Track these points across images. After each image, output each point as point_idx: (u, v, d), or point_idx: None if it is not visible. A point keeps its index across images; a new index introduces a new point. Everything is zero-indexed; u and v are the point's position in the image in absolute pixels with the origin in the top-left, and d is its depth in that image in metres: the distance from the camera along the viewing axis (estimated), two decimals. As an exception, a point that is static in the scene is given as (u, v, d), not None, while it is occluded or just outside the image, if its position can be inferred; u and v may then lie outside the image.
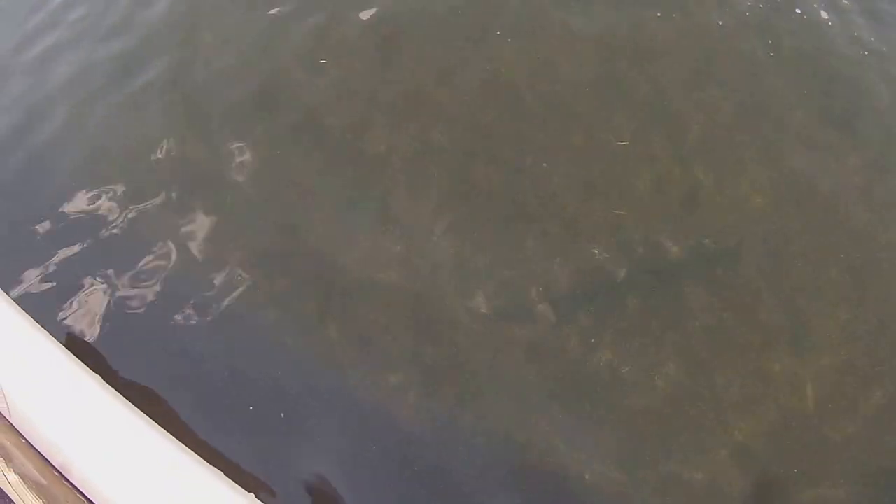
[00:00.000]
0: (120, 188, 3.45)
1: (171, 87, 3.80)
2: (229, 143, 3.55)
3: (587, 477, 2.68)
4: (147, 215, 3.36)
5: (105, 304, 3.10)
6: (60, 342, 2.25)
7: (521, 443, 2.75)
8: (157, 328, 3.03)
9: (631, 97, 3.61)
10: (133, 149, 3.61)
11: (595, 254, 3.15)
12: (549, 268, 3.12)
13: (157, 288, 3.13)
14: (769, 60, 3.73)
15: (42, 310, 3.05)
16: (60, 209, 3.39)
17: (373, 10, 3.96)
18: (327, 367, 2.93)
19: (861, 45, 3.80)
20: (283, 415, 2.81)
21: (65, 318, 3.05)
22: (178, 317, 3.05)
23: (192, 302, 3.08)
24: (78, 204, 3.41)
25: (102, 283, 3.15)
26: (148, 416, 2.08)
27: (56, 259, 3.22)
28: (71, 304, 3.09)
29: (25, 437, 2.05)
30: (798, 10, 3.91)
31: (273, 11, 4.02)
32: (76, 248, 3.26)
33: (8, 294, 2.43)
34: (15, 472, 1.83)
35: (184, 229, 3.29)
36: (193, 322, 3.03)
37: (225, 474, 1.97)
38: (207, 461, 1.99)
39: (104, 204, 3.40)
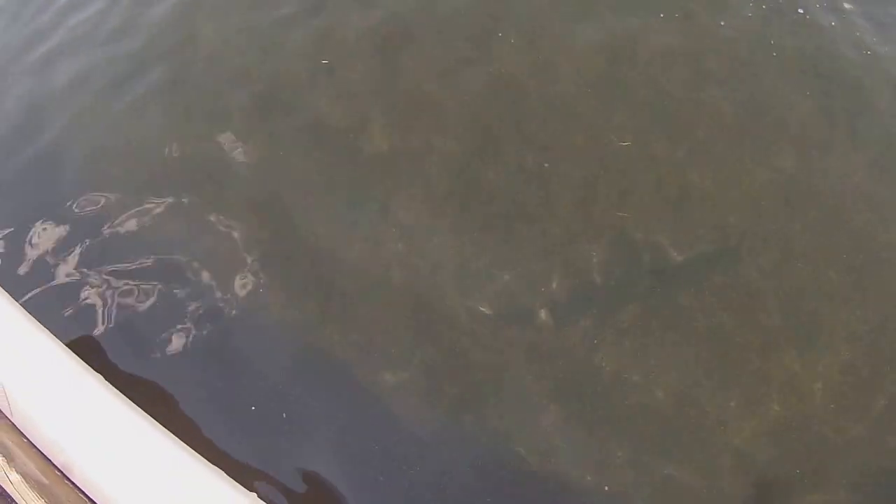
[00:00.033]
0: (122, 189, 3.46)
1: (173, 88, 3.80)
2: (231, 144, 3.55)
3: (588, 478, 2.68)
4: (149, 215, 3.36)
5: (107, 303, 3.10)
6: (62, 342, 2.25)
7: (521, 443, 2.75)
8: (158, 328, 3.03)
9: (633, 98, 3.60)
10: (135, 149, 3.62)
11: (596, 254, 3.15)
12: (549, 268, 3.12)
13: (160, 288, 3.13)
14: (771, 61, 3.73)
15: (44, 309, 3.06)
16: (63, 209, 3.40)
17: (375, 12, 3.96)
18: (328, 367, 2.93)
19: (863, 46, 3.79)
20: (284, 415, 2.81)
21: (67, 318, 3.06)
22: (179, 317, 3.05)
23: (193, 302, 3.08)
24: (81, 204, 3.42)
25: (105, 283, 3.15)
26: (150, 415, 2.09)
27: (58, 260, 3.23)
28: (73, 303, 3.10)
29: (27, 436, 2.05)
30: (800, 10, 3.91)
31: (276, 13, 4.01)
32: (79, 249, 3.26)
33: (10, 294, 2.43)
34: (17, 472, 1.84)
35: (185, 230, 3.30)
36: (195, 322, 3.04)
37: (227, 474, 1.97)
38: (209, 461, 1.99)
39: (106, 204, 3.41)
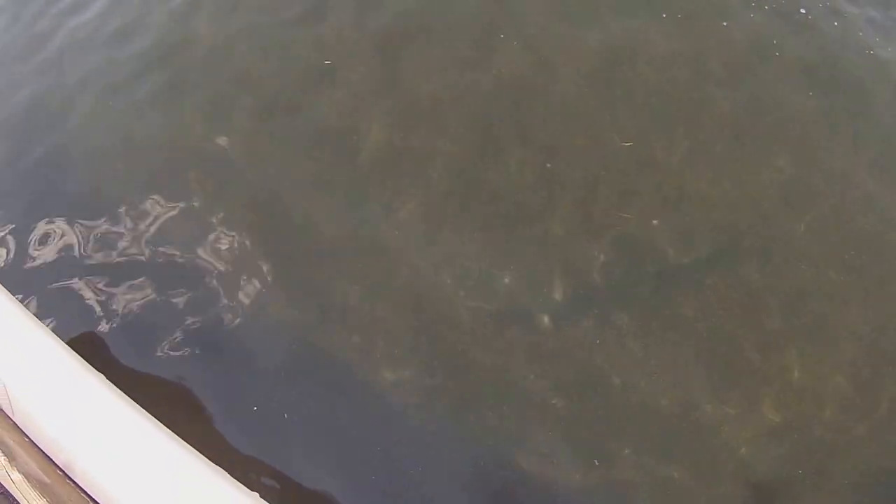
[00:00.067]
0: (125, 189, 3.46)
1: (175, 89, 3.79)
2: (232, 144, 3.56)
3: (589, 478, 2.68)
4: (151, 215, 3.36)
5: (108, 302, 3.10)
6: (64, 341, 2.25)
7: (522, 443, 2.75)
8: (159, 327, 3.03)
9: (634, 98, 3.60)
10: (137, 150, 3.62)
11: (597, 255, 3.15)
12: (550, 268, 3.12)
13: (161, 287, 3.13)
14: (773, 61, 3.73)
15: (46, 308, 3.07)
16: (66, 209, 3.41)
17: (377, 13, 3.95)
18: (329, 367, 2.93)
19: (865, 47, 3.79)
20: (286, 415, 2.81)
21: (68, 317, 3.06)
22: (181, 316, 3.05)
23: (195, 302, 3.08)
24: (83, 204, 3.43)
25: (107, 283, 3.16)
26: (151, 415, 2.09)
27: (60, 259, 3.23)
28: (75, 303, 3.10)
29: (28, 435, 2.05)
30: (802, 11, 3.91)
31: (278, 14, 4.01)
32: (80, 248, 3.27)
33: (12, 293, 2.43)
34: (18, 471, 1.83)
35: (187, 229, 3.30)
36: (197, 322, 3.04)
37: (228, 473, 1.97)
38: (211, 460, 1.99)
39: (109, 204, 3.41)
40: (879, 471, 2.68)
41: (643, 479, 2.68)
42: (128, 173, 3.53)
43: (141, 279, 3.16)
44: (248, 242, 3.25)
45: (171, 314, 3.06)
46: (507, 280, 3.10)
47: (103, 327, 3.04)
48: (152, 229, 3.32)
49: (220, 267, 3.18)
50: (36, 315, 2.30)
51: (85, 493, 1.93)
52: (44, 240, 3.31)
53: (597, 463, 2.70)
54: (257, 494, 1.95)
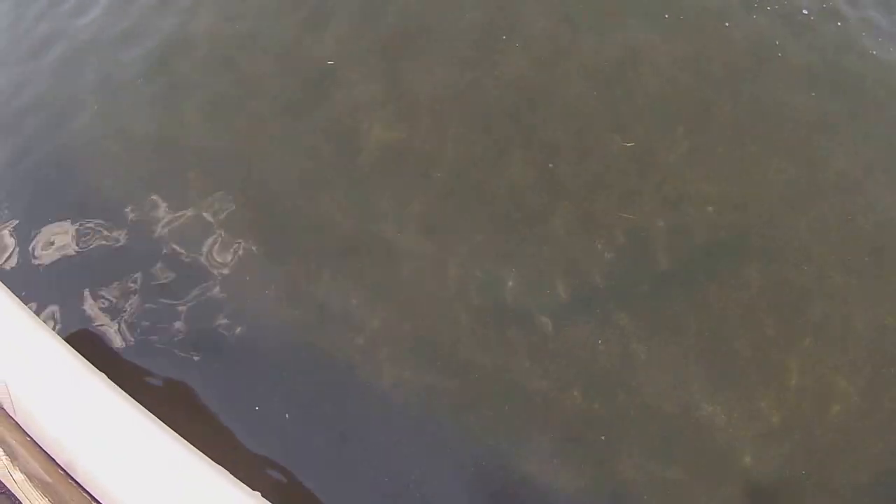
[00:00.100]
0: (129, 189, 3.47)
1: (178, 91, 3.80)
2: (235, 144, 3.56)
3: (590, 479, 2.68)
4: (154, 215, 3.36)
5: (110, 302, 3.10)
6: (65, 341, 2.25)
7: (523, 444, 2.75)
8: (161, 327, 3.03)
9: (636, 99, 3.60)
10: (142, 150, 3.62)
11: (599, 255, 3.14)
12: (552, 269, 3.12)
13: (163, 287, 3.14)
14: (775, 62, 3.73)
15: (49, 309, 3.08)
16: (68, 209, 3.41)
17: (381, 16, 3.96)
18: (330, 368, 2.93)
19: (867, 48, 3.79)
20: (287, 415, 2.80)
21: (70, 316, 3.06)
22: (183, 317, 3.05)
23: (197, 302, 3.09)
24: (87, 203, 3.43)
25: (108, 283, 3.16)
26: (153, 414, 2.09)
27: (61, 258, 3.24)
28: (76, 302, 3.10)
29: (30, 435, 2.05)
30: (805, 12, 3.91)
31: (283, 17, 4.02)
32: (82, 248, 3.27)
33: (14, 292, 2.43)
34: (20, 471, 1.83)
35: (191, 229, 3.30)
36: (199, 322, 3.04)
37: (230, 472, 1.97)
38: (213, 460, 1.99)
39: (113, 204, 3.42)
40: (881, 471, 2.67)
41: (644, 480, 2.67)
42: (130, 174, 3.53)
43: (143, 279, 3.16)
44: (248, 243, 3.25)
45: (172, 314, 3.06)
46: (508, 280, 3.10)
47: (105, 327, 3.04)
48: (154, 229, 3.32)
49: (222, 267, 3.18)
50: (38, 315, 2.29)
51: (87, 492, 1.93)
52: (46, 240, 3.31)
53: (597, 464, 2.70)
54: (259, 494, 1.95)
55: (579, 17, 3.92)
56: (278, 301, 3.09)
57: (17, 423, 2.08)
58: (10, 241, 3.34)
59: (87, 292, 3.13)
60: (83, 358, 2.21)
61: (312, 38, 3.91)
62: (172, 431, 2.05)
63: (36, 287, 3.16)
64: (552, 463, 2.71)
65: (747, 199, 3.30)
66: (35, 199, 3.49)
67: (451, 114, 3.58)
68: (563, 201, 3.30)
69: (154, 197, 3.42)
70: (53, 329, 2.35)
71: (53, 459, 2.00)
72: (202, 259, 3.21)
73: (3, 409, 2.10)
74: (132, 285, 3.15)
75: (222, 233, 3.28)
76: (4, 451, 1.86)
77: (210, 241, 3.26)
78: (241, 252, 3.23)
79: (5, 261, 3.27)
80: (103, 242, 3.29)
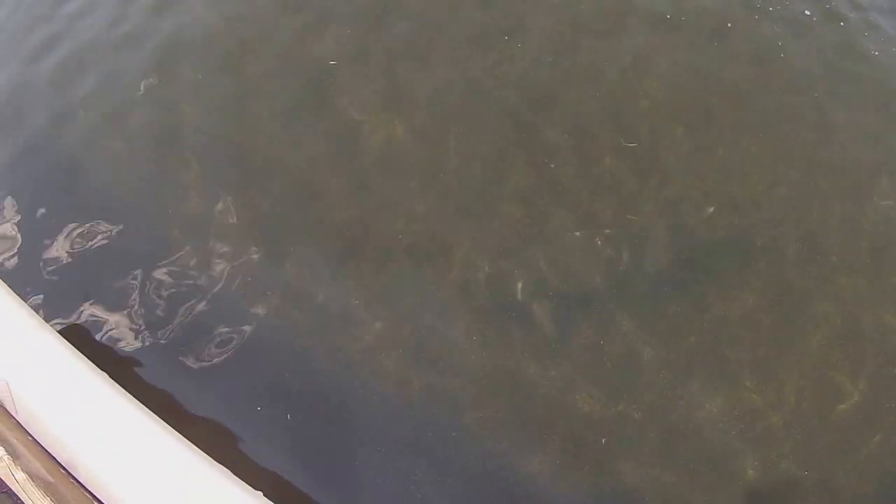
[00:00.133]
0: (132, 190, 3.47)
1: (182, 92, 3.80)
2: (239, 144, 3.56)
3: (590, 482, 2.68)
4: (156, 215, 3.37)
5: (113, 302, 3.10)
6: (67, 340, 2.25)
7: (523, 444, 2.75)
8: (162, 327, 3.03)
9: (639, 99, 3.61)
10: (143, 150, 3.62)
11: (601, 255, 3.14)
12: (553, 269, 3.12)
13: (165, 286, 3.13)
14: (778, 62, 3.73)
15: (51, 308, 3.08)
16: (71, 209, 3.41)
17: (384, 18, 3.96)
18: (331, 369, 2.93)
19: (869, 48, 3.80)
20: (289, 416, 2.80)
21: (74, 317, 3.06)
22: (185, 317, 3.05)
23: (198, 302, 3.08)
24: (88, 203, 3.43)
25: (111, 283, 3.16)
26: (155, 413, 2.09)
27: (64, 260, 3.24)
28: (80, 303, 3.10)
29: (32, 434, 2.05)
30: (807, 13, 3.91)
31: (288, 19, 4.02)
32: (83, 247, 3.27)
33: (15, 292, 2.43)
34: (22, 470, 1.83)
35: (194, 229, 3.30)
36: (200, 322, 3.04)
37: (232, 472, 1.97)
38: (214, 459, 1.99)
39: (113, 203, 3.42)
40: (882, 472, 2.68)
41: (644, 481, 2.67)
42: (130, 174, 3.53)
43: (144, 279, 3.16)
44: (249, 243, 3.25)
45: (174, 314, 3.06)
46: (509, 280, 3.09)
47: (107, 327, 3.04)
48: (155, 230, 3.32)
49: (225, 267, 3.18)
50: (39, 314, 2.29)
51: (89, 492, 1.93)
52: (47, 239, 3.31)
53: (597, 463, 2.70)
54: (261, 493, 1.95)
55: (581, 18, 3.92)
56: (280, 301, 3.09)
57: (18, 422, 2.08)
58: (11, 241, 3.34)
59: (88, 291, 3.13)
60: (85, 357, 2.21)
61: (314, 38, 3.91)
62: (174, 431, 2.05)
63: (37, 285, 3.16)
64: (553, 464, 2.71)
65: (748, 199, 3.30)
66: (36, 200, 3.48)
67: (452, 114, 3.58)
68: (564, 201, 3.30)
69: (155, 197, 3.42)
70: (54, 328, 2.34)
71: (55, 459, 2.00)
72: (204, 259, 3.20)
73: (4, 408, 2.10)
74: (133, 284, 3.14)
75: (223, 233, 3.28)
76: (6, 451, 1.86)
77: (211, 241, 3.26)
78: (242, 252, 3.22)
79: (6, 260, 3.27)
80: (104, 242, 3.29)
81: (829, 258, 3.13)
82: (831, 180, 3.37)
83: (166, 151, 3.57)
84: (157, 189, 3.45)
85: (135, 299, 3.11)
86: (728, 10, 3.94)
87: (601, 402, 2.82)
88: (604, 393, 2.83)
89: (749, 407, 2.79)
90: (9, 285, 2.53)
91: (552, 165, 3.40)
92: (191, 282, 3.14)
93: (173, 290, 3.13)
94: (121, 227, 3.33)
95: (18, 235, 3.35)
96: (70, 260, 3.24)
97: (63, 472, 1.96)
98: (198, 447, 2.02)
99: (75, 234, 3.31)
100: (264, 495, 1.96)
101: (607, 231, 3.21)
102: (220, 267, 3.18)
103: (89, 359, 2.22)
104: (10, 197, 3.50)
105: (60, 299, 3.11)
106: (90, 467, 1.97)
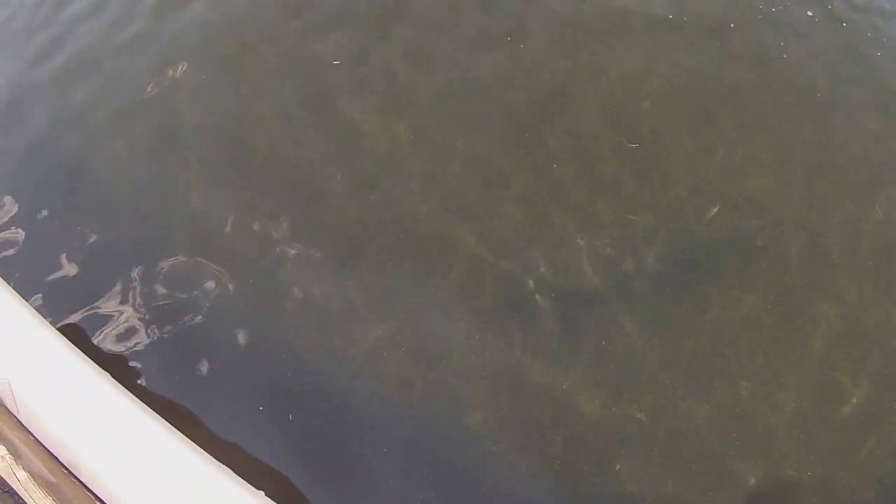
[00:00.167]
0: (135, 191, 3.47)
1: (185, 93, 3.80)
2: (244, 144, 3.56)
3: (591, 485, 2.67)
4: (159, 215, 3.37)
5: (114, 302, 3.10)
6: (69, 339, 2.25)
7: (524, 445, 2.75)
8: (163, 327, 3.03)
9: (641, 99, 3.61)
10: (146, 151, 3.62)
11: (602, 256, 3.14)
12: (554, 269, 3.12)
13: (166, 286, 3.13)
14: (780, 62, 3.74)
15: (54, 310, 3.08)
16: (72, 209, 3.42)
17: (386, 19, 3.97)
18: (332, 370, 2.93)
19: (871, 48, 3.80)
20: (290, 416, 2.80)
21: (75, 316, 3.06)
22: (186, 317, 3.05)
23: (199, 302, 3.08)
24: (89, 204, 3.43)
25: (113, 283, 3.16)
26: (157, 414, 2.09)
27: (65, 259, 3.24)
28: (81, 303, 3.10)
29: (33, 433, 2.05)
30: (809, 13, 3.92)
31: (294, 21, 4.02)
32: (84, 247, 3.27)
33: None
34: (24, 469, 1.83)
35: (197, 229, 3.30)
36: (201, 322, 3.04)
37: (234, 472, 1.97)
38: (216, 459, 1.99)
39: (114, 204, 3.42)
40: (882, 472, 2.67)
41: (645, 482, 2.67)
42: (131, 175, 3.53)
43: (145, 279, 3.16)
44: (250, 242, 3.25)
45: (175, 314, 3.06)
46: (510, 281, 3.09)
47: (108, 326, 3.04)
48: (156, 230, 3.32)
49: (226, 268, 3.18)
50: (41, 313, 2.29)
51: (90, 491, 1.93)
52: (48, 239, 3.31)
53: (597, 464, 2.69)
54: (262, 493, 1.95)
55: (582, 19, 3.92)
56: (281, 302, 3.09)
57: (19, 421, 2.08)
58: (12, 240, 3.34)
59: (89, 291, 3.13)
60: (86, 356, 2.20)
61: (314, 38, 3.91)
62: (176, 430, 2.05)
63: (38, 285, 3.16)
64: (553, 465, 2.70)
65: (750, 199, 3.30)
66: (37, 200, 3.48)
67: (453, 114, 3.59)
68: (565, 202, 3.30)
69: (156, 198, 3.42)
70: (56, 327, 2.34)
71: (57, 458, 2.00)
72: (205, 261, 3.20)
73: (5, 406, 2.10)
74: (135, 285, 3.15)
75: (224, 233, 3.28)
76: (7, 450, 1.85)
77: (211, 241, 3.26)
78: (242, 252, 3.22)
79: (7, 259, 3.27)
80: (105, 242, 3.29)
81: (829, 258, 3.14)
82: (832, 181, 3.37)
83: (166, 151, 3.58)
84: (157, 189, 3.45)
85: (136, 299, 3.11)
86: (730, 10, 3.94)
87: (602, 403, 2.82)
88: (605, 393, 2.83)
89: (750, 407, 2.79)
90: (10, 284, 2.53)
91: (553, 166, 3.40)
92: (192, 282, 3.14)
93: (174, 290, 3.13)
94: (121, 226, 3.34)
95: (20, 235, 3.35)
96: (71, 260, 3.24)
97: (65, 471, 1.96)
98: (199, 447, 2.02)
99: (76, 234, 3.31)
100: (266, 495, 1.96)
101: (608, 231, 3.21)
102: (220, 267, 3.18)
103: (90, 358, 2.21)
104: (11, 197, 3.51)
105: (62, 299, 3.11)
106: (92, 467, 1.96)
